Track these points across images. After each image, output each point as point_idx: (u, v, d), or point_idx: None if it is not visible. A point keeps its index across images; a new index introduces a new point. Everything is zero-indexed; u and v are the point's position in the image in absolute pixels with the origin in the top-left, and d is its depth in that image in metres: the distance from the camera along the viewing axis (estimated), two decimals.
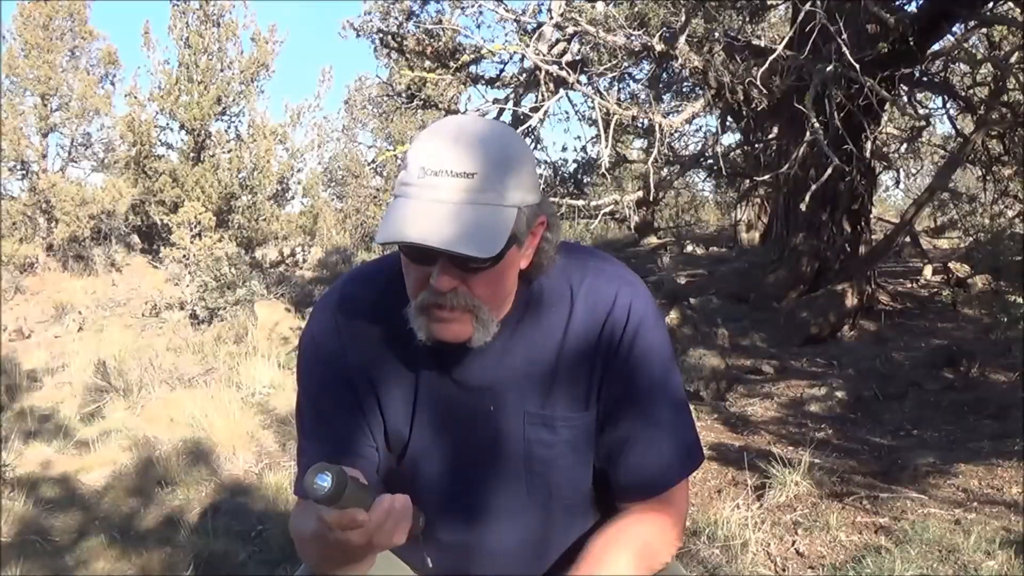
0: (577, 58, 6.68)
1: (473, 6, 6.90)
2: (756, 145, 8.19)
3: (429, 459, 1.15)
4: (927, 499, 3.13)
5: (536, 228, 1.07)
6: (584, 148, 8.39)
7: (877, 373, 5.10)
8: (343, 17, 12.17)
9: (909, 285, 8.03)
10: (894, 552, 2.65)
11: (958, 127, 7.92)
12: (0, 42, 13.64)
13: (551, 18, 6.03)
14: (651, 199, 8.33)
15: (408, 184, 0.99)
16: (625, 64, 6.61)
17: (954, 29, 6.57)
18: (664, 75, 8.08)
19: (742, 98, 6.17)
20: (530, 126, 6.24)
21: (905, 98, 7.21)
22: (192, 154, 13.54)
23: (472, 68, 7.29)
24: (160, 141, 13.83)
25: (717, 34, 6.60)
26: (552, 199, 7.37)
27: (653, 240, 12.61)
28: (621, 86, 8.48)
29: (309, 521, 1.00)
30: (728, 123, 7.44)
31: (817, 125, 5.56)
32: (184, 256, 10.75)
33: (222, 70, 13.45)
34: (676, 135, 10.49)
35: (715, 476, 3.53)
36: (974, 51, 6.92)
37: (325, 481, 0.87)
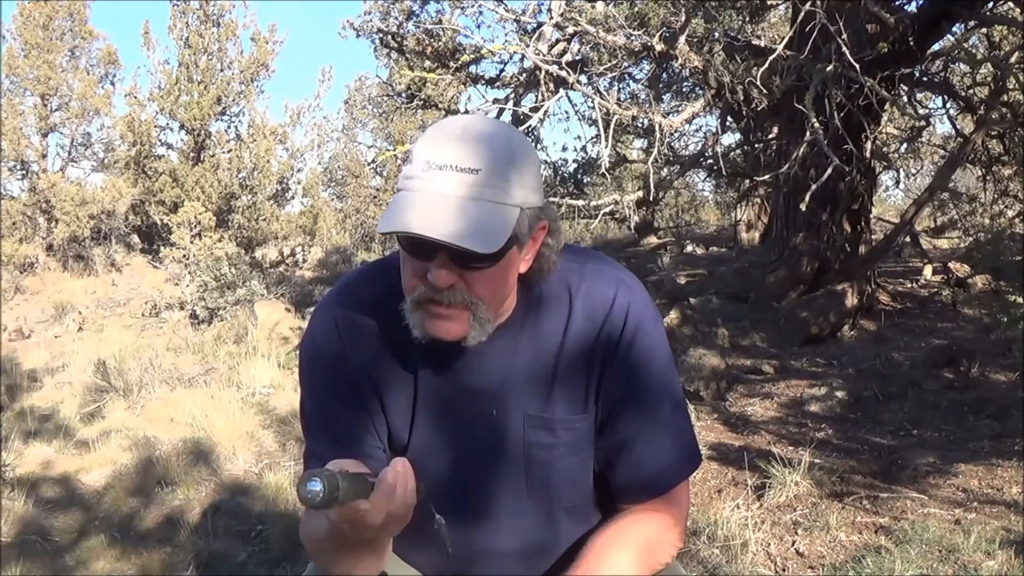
0: (577, 58, 6.68)
1: (473, 6, 6.90)
2: (756, 145, 8.19)
3: (429, 460, 1.14)
4: (927, 499, 3.13)
5: (537, 233, 1.07)
6: (584, 148, 8.40)
7: (877, 373, 5.10)
8: (343, 17, 12.17)
9: (909, 285, 8.03)
10: (894, 552, 2.65)
11: (958, 127, 7.92)
12: (0, 42, 13.67)
13: (551, 18, 6.02)
14: (651, 199, 8.31)
15: (412, 177, 0.99)
16: (625, 64, 6.60)
17: (954, 29, 6.57)
18: (664, 75, 8.09)
19: (742, 98, 6.16)
20: (530, 126, 6.23)
21: (905, 98, 7.21)
22: (192, 154, 13.56)
23: (472, 68, 7.29)
24: (160, 141, 13.87)
25: (717, 34, 6.59)
26: (552, 199, 7.42)
27: (653, 240, 12.61)
28: (621, 86, 8.49)
29: (322, 521, 1.00)
30: (728, 123, 7.43)
31: (817, 125, 5.55)
32: (184, 256, 10.75)
33: (222, 70, 13.47)
34: (676, 135, 10.52)
35: (715, 476, 3.52)
36: (974, 51, 6.92)
37: (316, 486, 0.86)
